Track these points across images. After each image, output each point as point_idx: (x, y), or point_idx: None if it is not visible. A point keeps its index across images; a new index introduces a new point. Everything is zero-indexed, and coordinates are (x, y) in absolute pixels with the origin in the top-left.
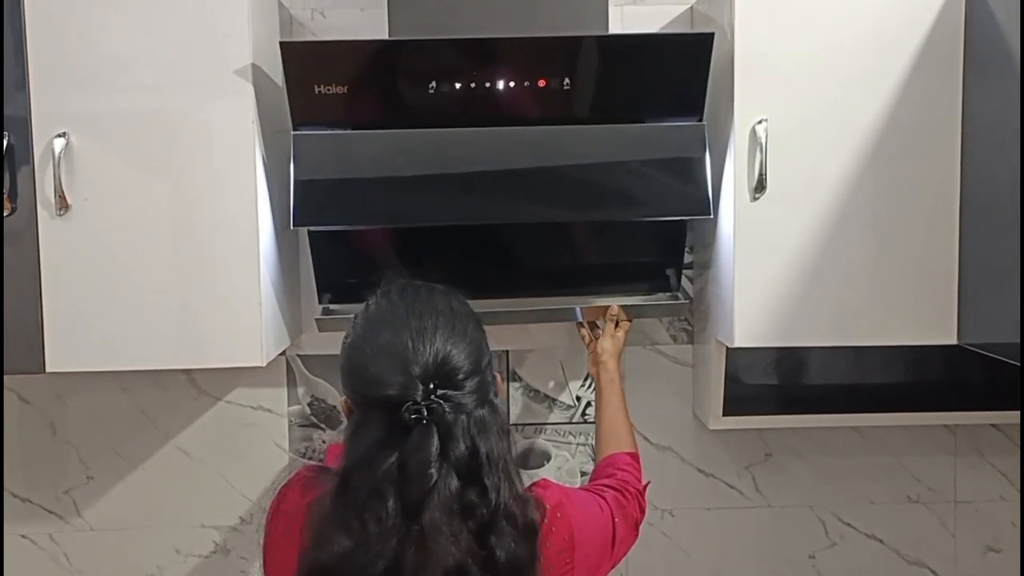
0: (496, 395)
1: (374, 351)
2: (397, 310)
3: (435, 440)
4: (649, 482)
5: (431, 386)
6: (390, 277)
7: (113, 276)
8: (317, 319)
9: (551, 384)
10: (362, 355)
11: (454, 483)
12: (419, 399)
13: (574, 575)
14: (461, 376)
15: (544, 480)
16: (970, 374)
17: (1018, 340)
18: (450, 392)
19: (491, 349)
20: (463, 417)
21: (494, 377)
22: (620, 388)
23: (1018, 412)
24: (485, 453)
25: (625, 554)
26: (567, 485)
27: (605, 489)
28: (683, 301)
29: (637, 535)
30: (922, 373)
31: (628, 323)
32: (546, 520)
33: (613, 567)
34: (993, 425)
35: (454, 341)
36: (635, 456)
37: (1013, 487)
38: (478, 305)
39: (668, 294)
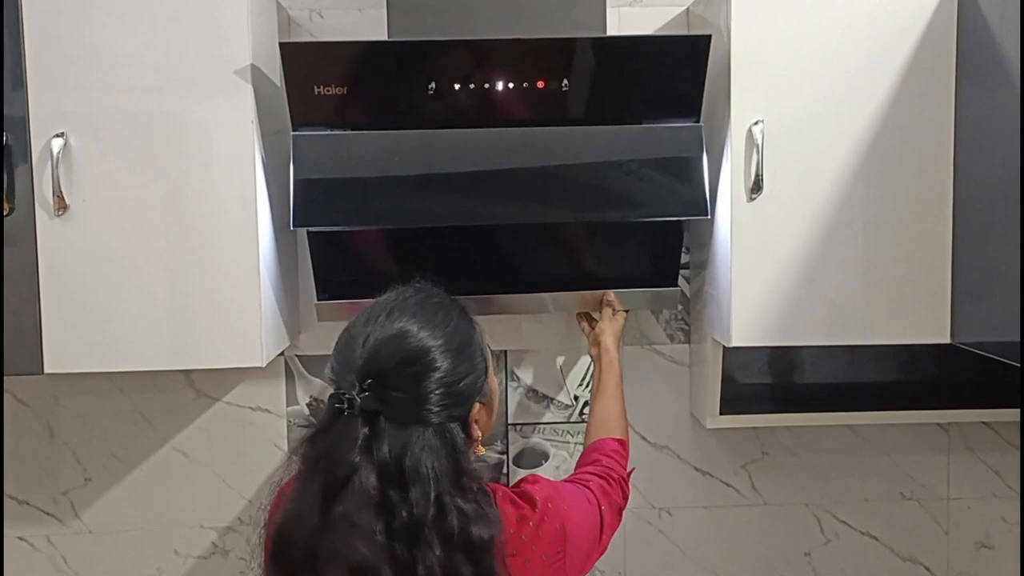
0: (465, 423)
1: (339, 343)
2: (376, 307)
3: (358, 433)
4: (634, 469)
5: (368, 382)
6: (418, 278)
7: (112, 277)
8: (316, 304)
9: (549, 384)
10: (335, 344)
11: (372, 480)
12: (348, 391)
13: (566, 563)
14: (398, 380)
15: (533, 476)
16: (962, 373)
17: (1015, 339)
18: (384, 393)
19: (486, 363)
20: (394, 421)
21: (468, 407)
22: (619, 371)
23: (1009, 409)
24: (411, 465)
25: (611, 539)
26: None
27: (591, 478)
28: (674, 288)
29: (621, 520)
30: (915, 372)
31: (625, 312)
32: (537, 510)
33: (601, 554)
34: (985, 423)
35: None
36: (623, 443)
37: (1005, 484)
38: (474, 303)
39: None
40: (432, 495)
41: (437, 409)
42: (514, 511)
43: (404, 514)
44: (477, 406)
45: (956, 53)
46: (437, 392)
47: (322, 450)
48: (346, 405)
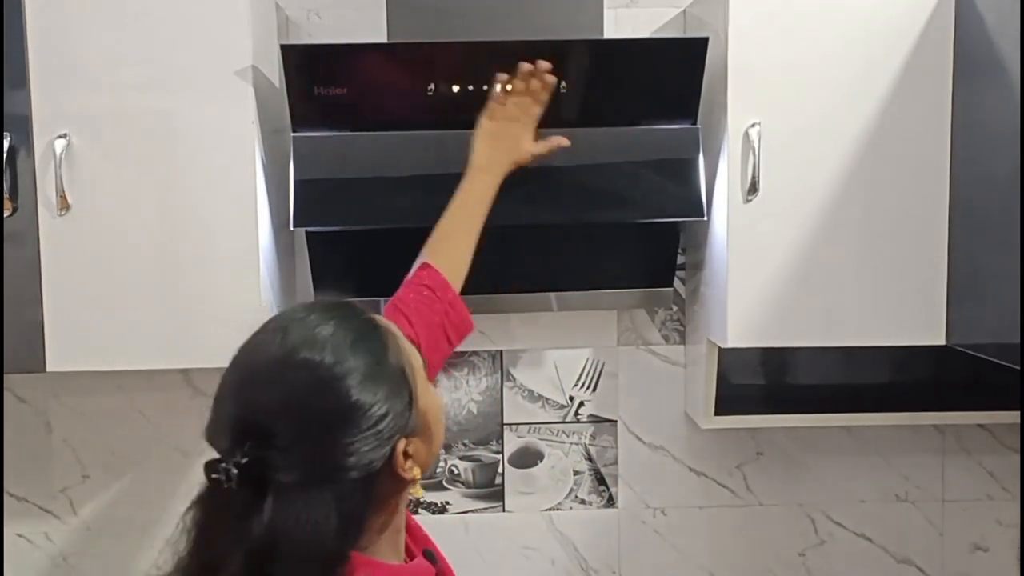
0: (372, 474)
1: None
2: (262, 333)
3: (238, 508)
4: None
5: (246, 446)
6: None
7: (113, 276)
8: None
9: (544, 383)
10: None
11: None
12: (225, 457)
13: None
14: (288, 433)
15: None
16: (957, 374)
17: (1013, 341)
18: (271, 453)
19: (412, 385)
20: (285, 486)
21: (389, 449)
22: (486, 187)
23: (1004, 412)
24: (290, 542)
25: None
26: None
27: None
28: (668, 288)
29: None
30: (910, 373)
31: (538, 107)
32: None
33: None
34: (980, 425)
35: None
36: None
37: (1000, 486)
38: (470, 301)
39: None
40: None
41: (345, 462)
42: None
43: None
44: (404, 442)
45: (953, 54)
46: (346, 441)
47: (194, 522)
48: (224, 477)
